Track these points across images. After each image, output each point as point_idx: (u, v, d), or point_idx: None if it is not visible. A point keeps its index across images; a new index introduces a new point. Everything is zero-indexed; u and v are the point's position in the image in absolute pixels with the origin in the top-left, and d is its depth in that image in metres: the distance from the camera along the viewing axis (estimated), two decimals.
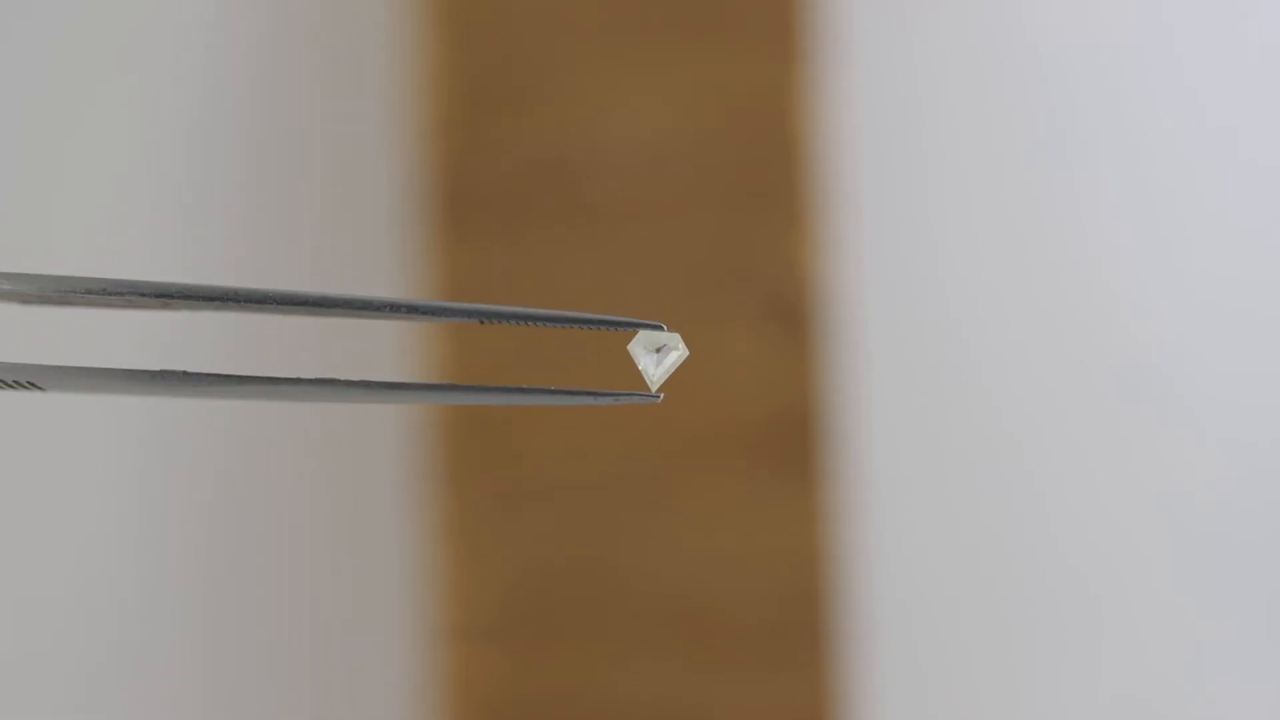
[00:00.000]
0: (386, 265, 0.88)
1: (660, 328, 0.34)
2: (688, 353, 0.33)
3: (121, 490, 0.89)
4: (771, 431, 0.84)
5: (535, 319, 0.34)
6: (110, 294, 0.34)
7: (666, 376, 0.34)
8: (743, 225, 0.85)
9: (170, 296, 0.34)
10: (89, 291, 0.34)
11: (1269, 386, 0.90)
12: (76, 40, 0.88)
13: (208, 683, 0.90)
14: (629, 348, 0.34)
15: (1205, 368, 0.90)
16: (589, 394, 0.33)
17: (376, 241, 0.88)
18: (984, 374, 0.90)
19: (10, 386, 0.34)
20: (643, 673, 0.85)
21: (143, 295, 0.34)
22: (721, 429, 0.85)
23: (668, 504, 0.85)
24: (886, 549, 0.88)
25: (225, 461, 0.90)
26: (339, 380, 0.33)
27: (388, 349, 0.87)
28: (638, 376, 0.34)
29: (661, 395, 0.33)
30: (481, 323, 0.35)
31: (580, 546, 0.85)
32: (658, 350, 0.34)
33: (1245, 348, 0.90)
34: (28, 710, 0.88)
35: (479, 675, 0.85)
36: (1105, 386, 0.90)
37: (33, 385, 0.34)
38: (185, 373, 0.33)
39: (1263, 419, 0.90)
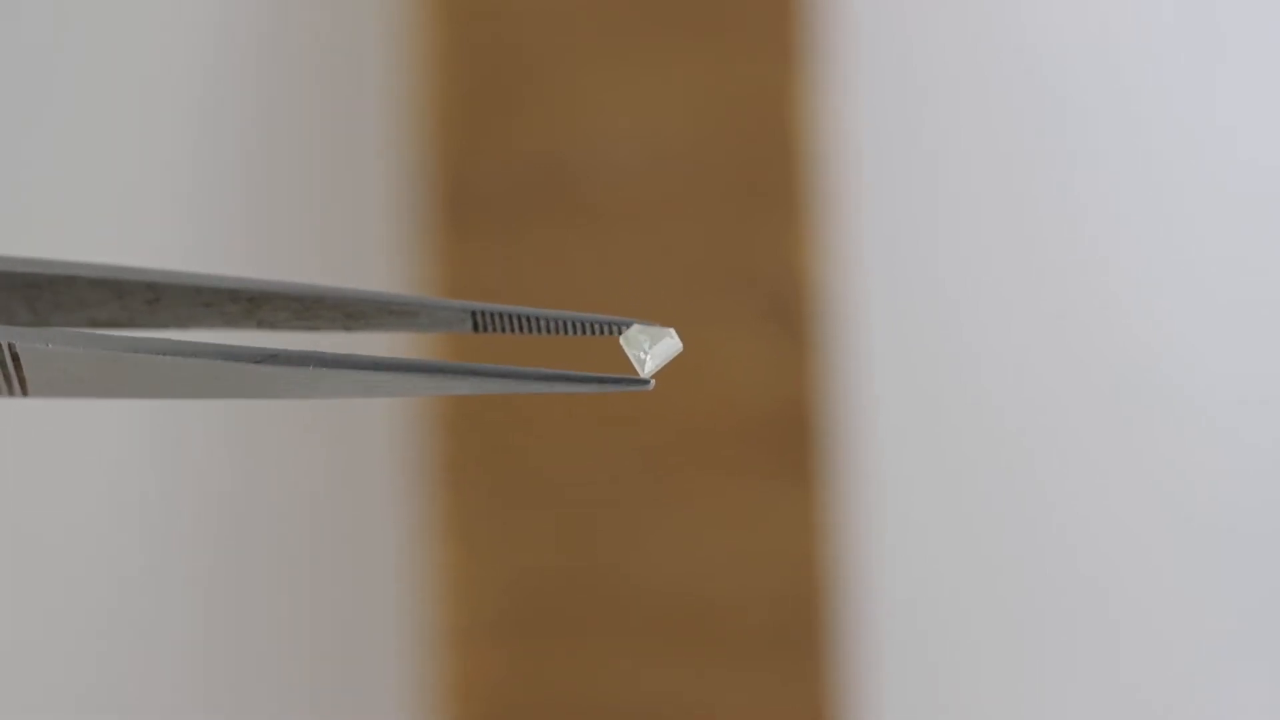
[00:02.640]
0: (385, 264, 0.88)
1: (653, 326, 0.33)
2: (681, 346, 0.33)
3: (118, 488, 0.89)
4: (771, 431, 0.84)
5: (529, 319, 0.34)
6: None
7: (659, 368, 0.33)
8: (742, 225, 0.85)
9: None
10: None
11: (1273, 384, 0.90)
12: (73, 39, 0.88)
13: (207, 684, 0.90)
14: (621, 340, 0.34)
15: (1210, 367, 0.89)
16: (575, 380, 0.32)
17: (375, 241, 0.88)
18: (985, 373, 0.90)
19: None
20: (642, 673, 0.85)
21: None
22: (721, 429, 0.85)
23: (667, 504, 0.85)
24: (886, 549, 0.88)
25: (223, 462, 0.90)
26: (325, 354, 0.32)
27: (379, 350, 0.87)
28: (633, 372, 0.34)
29: (652, 381, 0.33)
30: (476, 330, 0.34)
31: (580, 546, 0.85)
32: (651, 344, 0.34)
33: (1250, 346, 0.90)
34: (29, 712, 0.88)
35: (478, 675, 0.85)
36: (1108, 386, 0.90)
37: (17, 377, 0.33)
38: (166, 340, 0.32)
39: (1268, 417, 0.90)
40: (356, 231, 0.89)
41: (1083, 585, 0.90)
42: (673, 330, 0.33)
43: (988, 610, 0.90)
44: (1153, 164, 0.90)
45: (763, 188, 0.85)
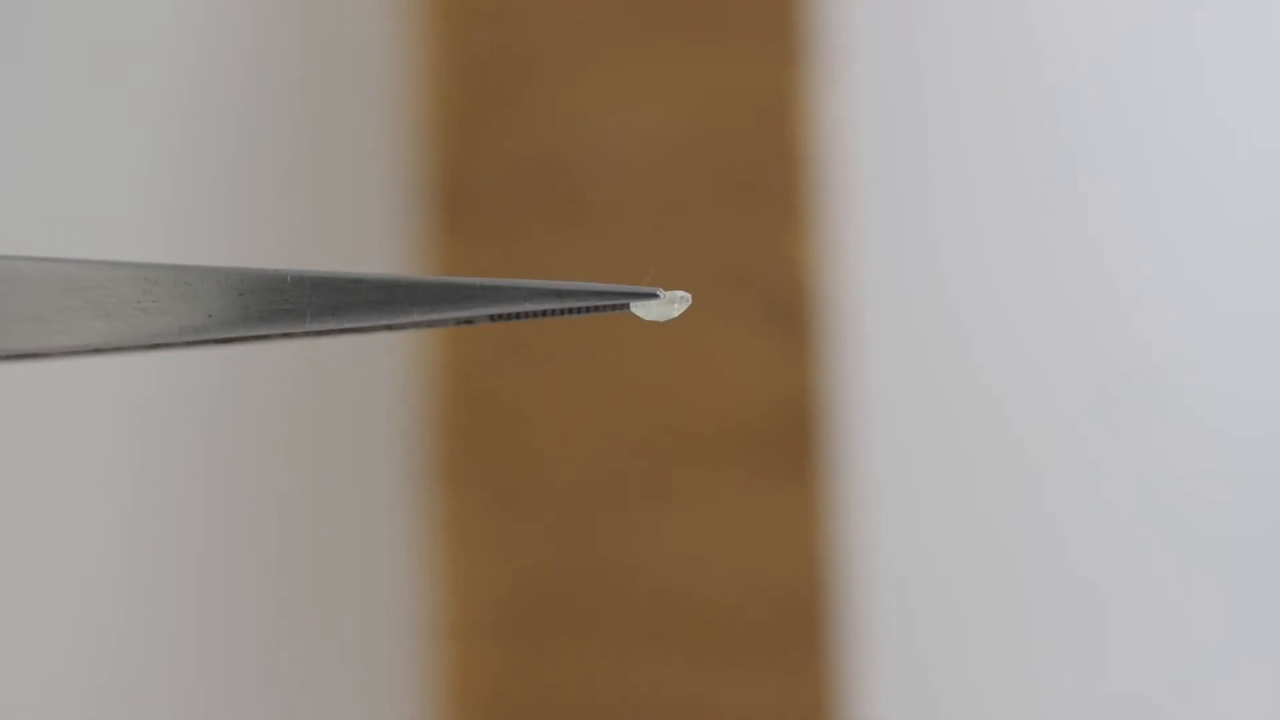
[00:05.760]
0: (383, 265, 0.88)
1: (655, 295, 0.33)
2: (689, 297, 0.33)
3: (115, 485, 0.89)
4: (771, 431, 0.84)
5: (521, 312, 0.33)
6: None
7: (669, 311, 0.33)
8: (741, 225, 0.85)
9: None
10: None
11: (1273, 383, 0.90)
12: (66, 39, 0.88)
13: (205, 683, 0.90)
14: (632, 308, 0.34)
15: (1210, 366, 0.90)
16: (585, 295, 0.32)
17: (373, 241, 0.88)
18: (984, 372, 0.90)
19: None
20: (641, 672, 0.85)
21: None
22: (721, 428, 0.85)
23: (667, 503, 0.85)
24: (886, 548, 0.88)
25: (221, 460, 0.90)
26: (326, 274, 0.31)
27: (383, 335, 0.87)
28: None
29: (660, 292, 0.33)
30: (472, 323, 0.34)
31: (579, 545, 0.85)
32: (660, 305, 0.34)
33: (1249, 345, 0.90)
34: (22, 710, 0.88)
35: (477, 674, 0.85)
36: (1108, 385, 0.90)
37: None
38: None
39: (1267, 416, 0.90)
40: (353, 231, 0.89)
41: (1084, 583, 0.90)
42: (678, 292, 0.33)
43: (986, 608, 0.90)
44: (1152, 164, 0.90)
45: (762, 187, 0.85)
